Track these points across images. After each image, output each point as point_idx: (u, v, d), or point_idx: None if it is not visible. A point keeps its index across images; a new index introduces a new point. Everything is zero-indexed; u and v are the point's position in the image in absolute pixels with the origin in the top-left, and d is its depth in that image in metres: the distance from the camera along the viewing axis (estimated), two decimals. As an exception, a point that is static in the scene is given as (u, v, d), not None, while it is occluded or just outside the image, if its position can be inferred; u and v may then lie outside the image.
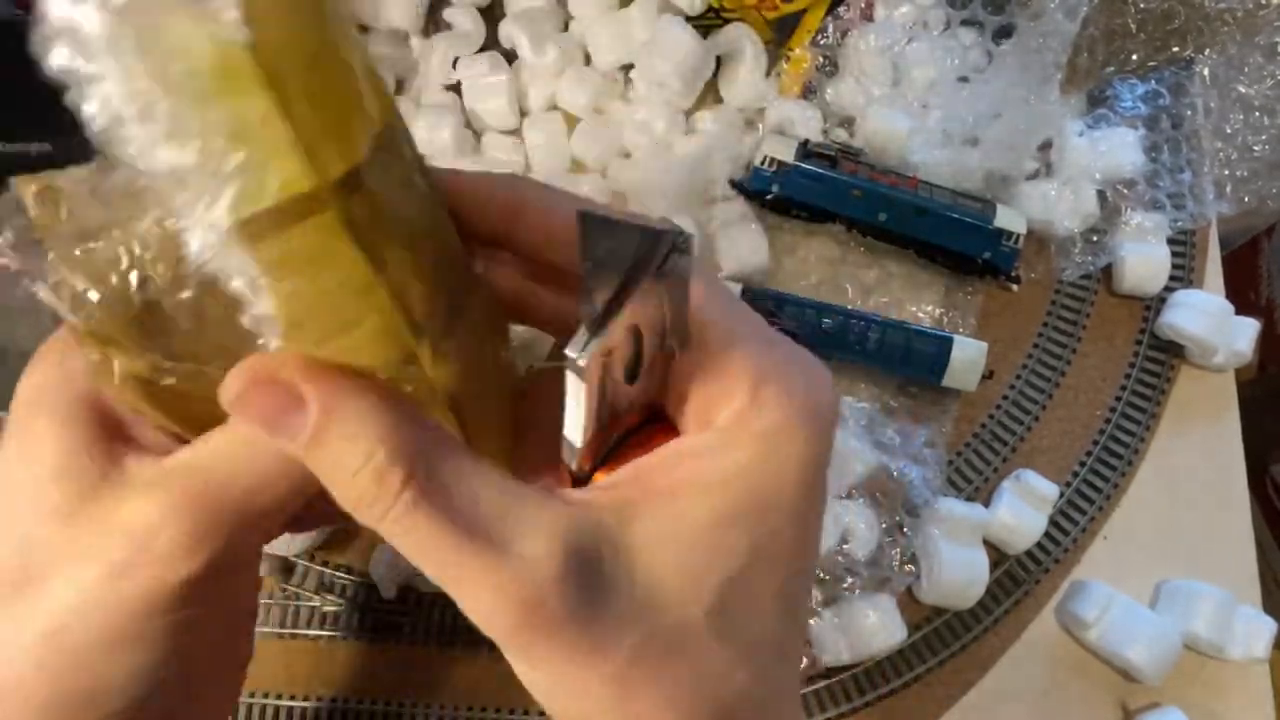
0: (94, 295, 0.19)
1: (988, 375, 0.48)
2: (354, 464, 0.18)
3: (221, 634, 0.25)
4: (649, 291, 0.19)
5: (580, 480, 0.22)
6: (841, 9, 0.53)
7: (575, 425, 0.20)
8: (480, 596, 0.19)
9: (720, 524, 0.20)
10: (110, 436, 0.22)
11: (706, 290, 0.21)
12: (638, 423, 0.23)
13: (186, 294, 0.19)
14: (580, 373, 0.18)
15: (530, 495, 0.20)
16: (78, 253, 0.19)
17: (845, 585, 0.44)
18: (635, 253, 0.18)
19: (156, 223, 0.18)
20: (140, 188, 0.18)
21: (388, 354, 0.19)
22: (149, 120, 0.16)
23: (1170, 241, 0.51)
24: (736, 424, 0.20)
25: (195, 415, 0.21)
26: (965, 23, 0.54)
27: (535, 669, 0.20)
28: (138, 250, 0.19)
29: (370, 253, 0.18)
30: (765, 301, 0.48)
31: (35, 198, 0.19)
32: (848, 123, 0.53)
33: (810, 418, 0.21)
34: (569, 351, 0.18)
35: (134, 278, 0.19)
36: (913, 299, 0.51)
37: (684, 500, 0.20)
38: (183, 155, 0.16)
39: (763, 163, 0.49)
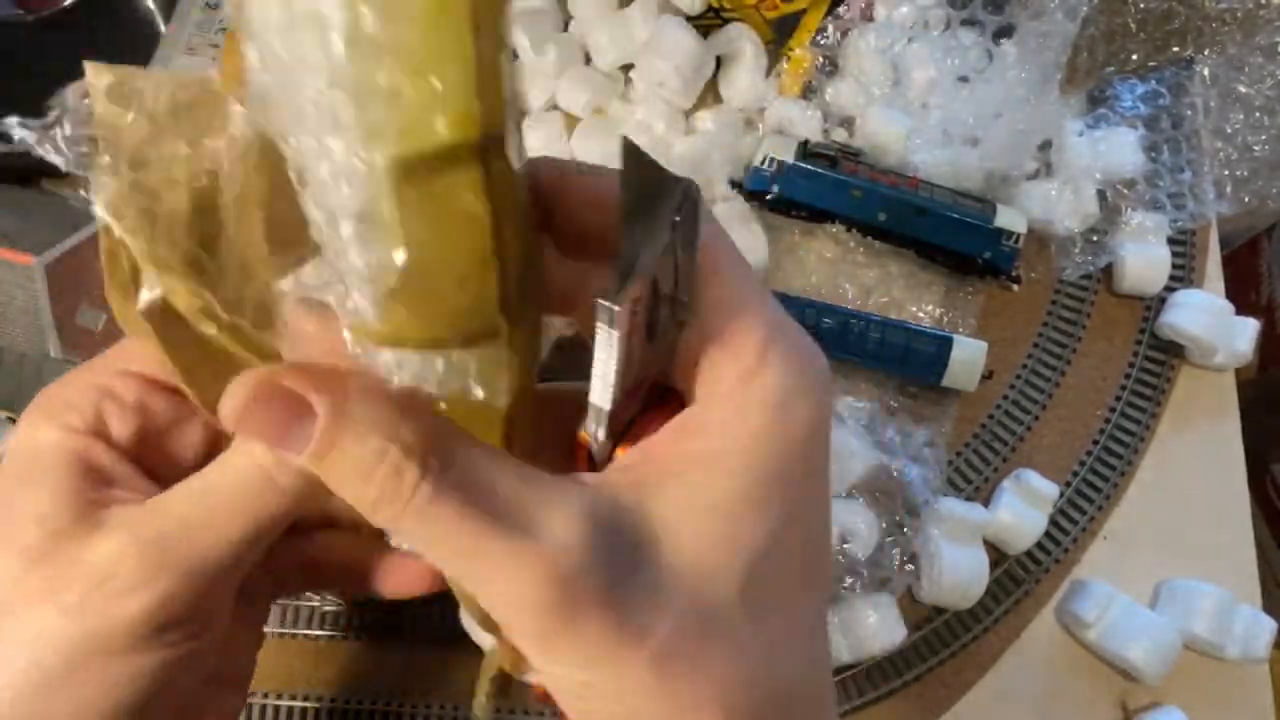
0: (146, 217, 0.18)
1: (988, 375, 0.48)
2: (368, 464, 0.18)
3: (196, 697, 0.25)
4: (667, 244, 0.18)
5: (595, 464, 0.21)
6: (841, 9, 0.53)
7: (603, 387, 0.19)
8: (507, 584, 0.18)
9: (741, 496, 0.19)
10: (99, 487, 0.22)
11: (713, 251, 0.21)
12: (642, 405, 0.22)
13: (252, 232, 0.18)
14: (612, 319, 0.17)
15: (549, 479, 0.19)
16: (132, 169, 0.18)
17: (845, 585, 0.44)
18: (660, 199, 0.18)
19: (241, 144, 0.17)
20: (220, 102, 0.17)
21: (469, 327, 0.18)
22: (323, 27, 0.14)
23: (1170, 241, 0.51)
24: (745, 390, 0.20)
25: (205, 376, 0.21)
26: (965, 23, 0.54)
27: (566, 662, 0.19)
28: (206, 171, 0.18)
29: (495, 220, 0.17)
30: (765, 301, 0.48)
31: (107, 92, 0.18)
32: (848, 123, 0.53)
33: (815, 379, 0.20)
34: (601, 300, 0.17)
35: (192, 201, 0.18)
36: (913, 299, 0.51)
37: (703, 475, 0.19)
38: (357, 72, 0.15)
39: (763, 163, 0.49)
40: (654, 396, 0.22)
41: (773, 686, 0.20)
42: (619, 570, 0.19)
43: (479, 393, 0.19)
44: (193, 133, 0.18)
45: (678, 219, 0.18)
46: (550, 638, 0.18)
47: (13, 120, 0.18)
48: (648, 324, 0.19)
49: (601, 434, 0.20)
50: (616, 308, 0.17)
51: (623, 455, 0.21)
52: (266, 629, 0.43)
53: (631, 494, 0.19)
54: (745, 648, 0.19)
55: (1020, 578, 0.47)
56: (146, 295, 0.19)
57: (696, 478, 0.19)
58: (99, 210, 0.18)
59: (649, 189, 0.18)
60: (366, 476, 0.18)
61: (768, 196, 0.49)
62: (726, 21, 0.52)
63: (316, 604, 0.43)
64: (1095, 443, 0.49)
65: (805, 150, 0.49)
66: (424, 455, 0.18)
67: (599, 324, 0.17)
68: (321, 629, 0.43)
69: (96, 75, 0.18)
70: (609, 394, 0.19)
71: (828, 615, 0.23)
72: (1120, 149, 0.51)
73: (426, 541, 0.19)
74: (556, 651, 0.19)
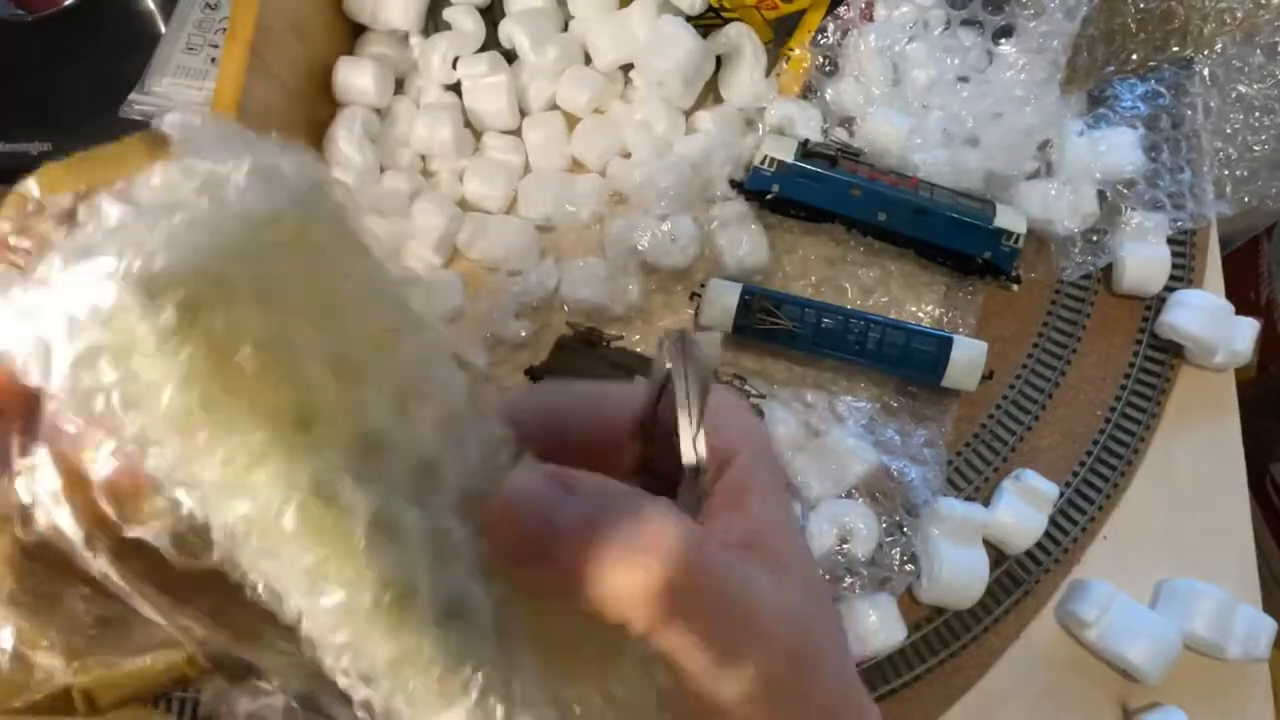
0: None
1: (988, 375, 0.47)
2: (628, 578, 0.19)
3: None
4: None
5: None
6: (841, 9, 0.53)
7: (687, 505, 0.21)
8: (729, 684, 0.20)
9: (770, 498, 0.22)
10: None
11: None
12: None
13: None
14: (695, 470, 0.20)
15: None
16: None
17: (845, 585, 0.44)
18: (704, 368, 0.20)
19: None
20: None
21: None
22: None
23: (1170, 241, 0.51)
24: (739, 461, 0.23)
25: None
26: (965, 23, 0.54)
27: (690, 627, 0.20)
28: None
29: None
30: (765, 301, 0.48)
31: None
32: (848, 123, 0.53)
33: (766, 441, 0.24)
34: (685, 461, 0.20)
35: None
36: (913, 299, 0.51)
37: (752, 497, 0.22)
38: None
39: (763, 163, 0.49)
40: None
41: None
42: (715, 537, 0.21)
43: None
44: None
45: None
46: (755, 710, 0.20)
47: None
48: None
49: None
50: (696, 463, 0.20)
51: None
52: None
53: (719, 507, 0.22)
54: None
55: (1020, 578, 0.47)
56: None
57: (749, 499, 0.22)
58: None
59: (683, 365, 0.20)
60: (636, 572, 0.19)
61: (768, 196, 0.49)
62: (726, 21, 0.52)
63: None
64: (1095, 443, 0.49)
65: (805, 150, 0.49)
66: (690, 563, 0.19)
67: (685, 496, 0.20)
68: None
69: None
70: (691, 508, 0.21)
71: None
72: (1120, 149, 0.51)
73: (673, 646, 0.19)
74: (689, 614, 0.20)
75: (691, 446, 0.20)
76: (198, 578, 0.17)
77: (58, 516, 0.17)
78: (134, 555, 0.17)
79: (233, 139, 0.18)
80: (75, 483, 0.17)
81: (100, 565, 0.17)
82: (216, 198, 0.16)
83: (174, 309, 0.14)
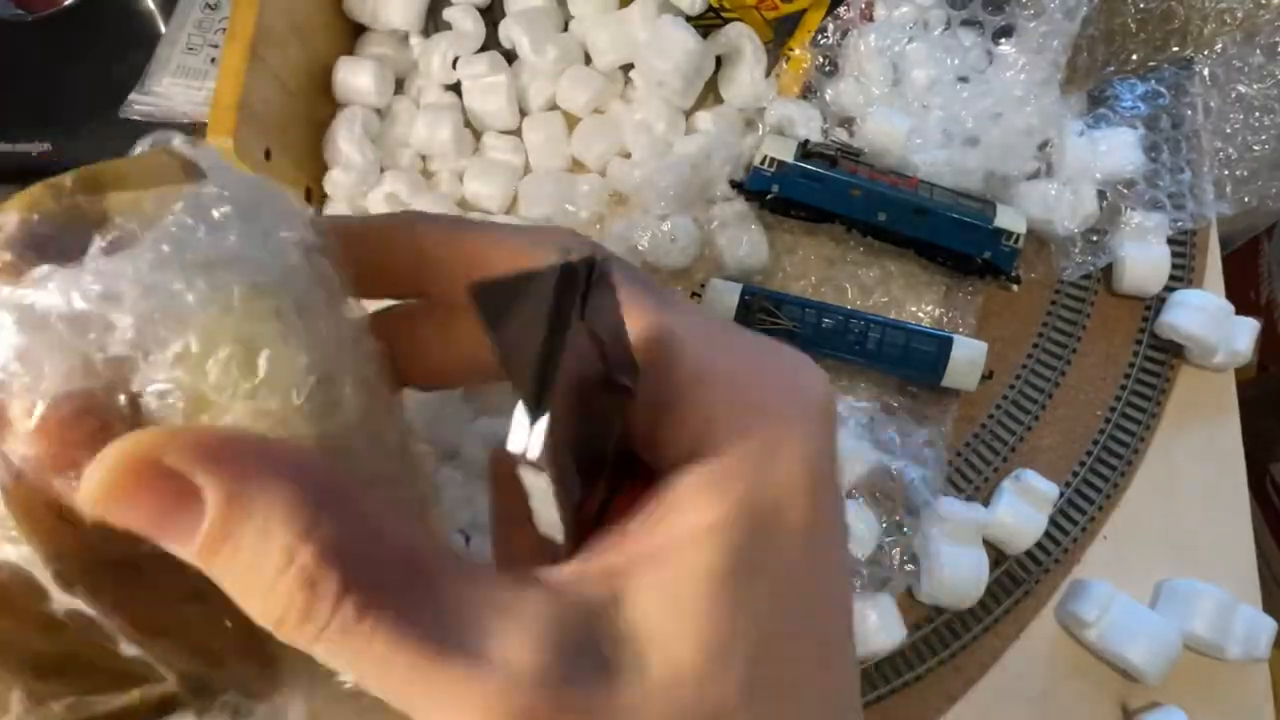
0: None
1: (988, 375, 0.47)
2: (271, 569, 0.14)
3: None
4: (578, 341, 0.15)
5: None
6: (841, 9, 0.53)
7: (549, 521, 0.17)
8: (459, 718, 0.15)
9: (728, 578, 0.16)
10: None
11: (643, 303, 0.18)
12: (613, 481, 0.19)
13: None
14: (533, 466, 0.15)
15: (500, 586, 0.16)
16: None
17: (845, 585, 0.44)
18: (548, 305, 0.15)
19: None
20: None
21: None
22: None
23: (1170, 241, 0.51)
24: (717, 453, 0.17)
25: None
26: (965, 23, 0.54)
27: None
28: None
29: None
30: (765, 301, 0.48)
31: None
32: (848, 123, 0.53)
33: (801, 418, 0.17)
34: (512, 448, 0.15)
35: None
36: (913, 299, 0.51)
37: (681, 557, 0.16)
38: None
39: (763, 163, 0.49)
40: (627, 466, 0.19)
41: None
42: (589, 687, 0.15)
43: None
44: None
45: (585, 304, 0.15)
46: None
47: None
48: (576, 435, 0.16)
49: (564, 543, 0.17)
50: (532, 455, 0.15)
51: (593, 540, 0.17)
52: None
53: (603, 586, 0.16)
54: None
55: (1020, 578, 0.47)
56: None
57: (677, 564, 0.16)
58: None
59: (524, 308, 0.15)
60: (268, 585, 0.14)
61: (768, 196, 0.49)
62: (726, 21, 0.52)
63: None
64: (1095, 443, 0.49)
65: (805, 150, 0.49)
66: (347, 560, 0.14)
67: (521, 470, 0.15)
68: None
69: None
70: (558, 527, 0.17)
71: (858, 682, 0.19)
72: (1120, 149, 0.51)
73: (353, 668, 0.15)
74: None
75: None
76: (166, 603, 0.17)
77: (14, 555, 0.16)
78: (108, 585, 0.16)
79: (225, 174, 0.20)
80: (35, 516, 0.15)
81: (66, 601, 0.16)
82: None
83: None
